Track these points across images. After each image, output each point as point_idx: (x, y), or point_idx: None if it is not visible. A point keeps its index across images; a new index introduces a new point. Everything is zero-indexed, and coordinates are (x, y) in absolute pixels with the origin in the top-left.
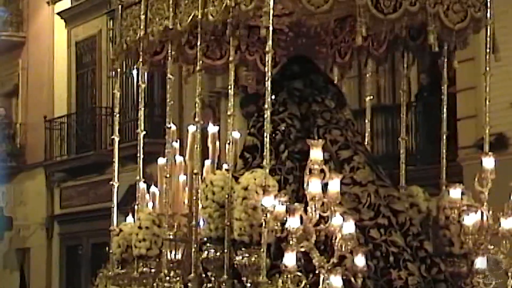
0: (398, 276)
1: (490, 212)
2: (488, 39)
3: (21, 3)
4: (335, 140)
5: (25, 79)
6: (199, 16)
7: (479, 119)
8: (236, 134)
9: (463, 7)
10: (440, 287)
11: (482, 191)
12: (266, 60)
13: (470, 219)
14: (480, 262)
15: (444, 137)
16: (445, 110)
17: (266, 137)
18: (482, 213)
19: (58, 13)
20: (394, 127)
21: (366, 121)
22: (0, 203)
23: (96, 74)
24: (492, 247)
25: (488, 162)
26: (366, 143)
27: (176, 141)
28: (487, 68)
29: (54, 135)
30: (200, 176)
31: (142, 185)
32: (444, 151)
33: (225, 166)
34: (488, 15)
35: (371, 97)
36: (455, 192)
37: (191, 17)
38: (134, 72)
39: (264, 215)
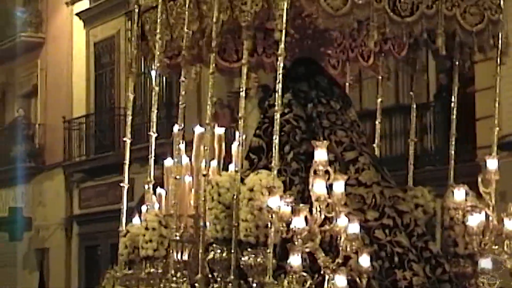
0: (403, 277)
1: (495, 212)
2: (500, 41)
3: (40, 4)
4: (340, 142)
5: (44, 79)
6: (226, 20)
7: (498, 119)
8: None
9: (479, 9)
10: None
11: (486, 192)
12: (278, 62)
13: (474, 220)
14: (485, 263)
15: (453, 138)
16: (455, 112)
17: (276, 138)
18: (486, 213)
19: (77, 14)
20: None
21: (377, 122)
22: (19, 204)
23: (115, 75)
24: (496, 247)
25: (492, 163)
26: (375, 144)
27: (182, 143)
28: (498, 70)
29: (73, 135)
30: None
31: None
32: (453, 152)
33: (231, 167)
34: (501, 17)
35: (381, 99)
36: (459, 193)
37: (220, 21)
38: (153, 72)
39: (270, 216)
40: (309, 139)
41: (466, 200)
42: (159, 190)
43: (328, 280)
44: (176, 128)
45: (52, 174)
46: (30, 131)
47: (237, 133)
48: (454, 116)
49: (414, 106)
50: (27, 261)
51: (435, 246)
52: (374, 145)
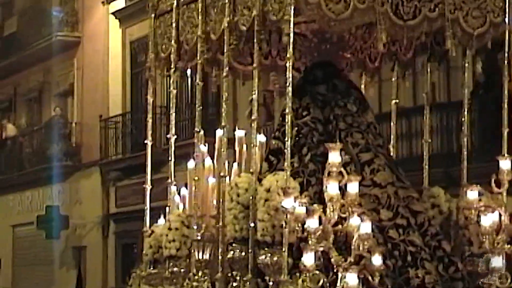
0: (415, 275)
1: (507, 212)
2: (508, 43)
3: (76, 3)
4: (356, 143)
5: (80, 78)
6: (226, 25)
7: None
8: (261, 138)
9: (482, 12)
10: (457, 286)
11: (499, 192)
12: (287, 66)
13: (487, 220)
14: (496, 261)
15: (465, 139)
16: (466, 114)
17: (287, 140)
18: (499, 213)
19: (113, 13)
20: (449, 125)
21: (392, 124)
22: (56, 202)
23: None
24: (508, 246)
25: (505, 164)
26: (391, 145)
27: (205, 145)
28: (506, 73)
29: (109, 134)
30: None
31: (173, 188)
32: (465, 153)
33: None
34: (507, 20)
35: (397, 101)
36: (472, 193)
37: (222, 26)
38: (189, 71)
39: (285, 216)
40: (326, 141)
41: (480, 200)
42: (182, 191)
43: (341, 278)
44: (196, 130)
45: (89, 172)
46: (67, 130)
47: (254, 135)
48: (465, 119)
49: (428, 107)
50: (64, 259)
51: (448, 245)
52: (390, 146)
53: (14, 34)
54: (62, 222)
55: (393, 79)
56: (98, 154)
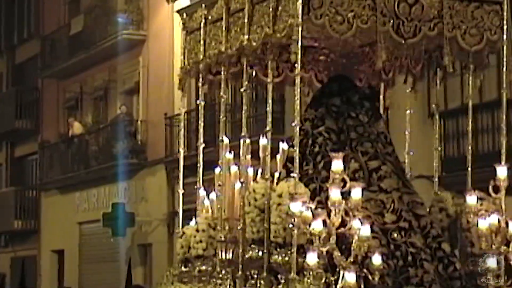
0: (414, 274)
1: (503, 216)
2: (504, 59)
3: (141, 2)
4: (366, 152)
5: (145, 76)
6: (245, 42)
7: None
8: (284, 145)
9: (479, 30)
10: (455, 284)
11: (497, 197)
12: (296, 82)
13: (485, 223)
14: (491, 262)
15: (470, 148)
16: (470, 123)
17: (295, 150)
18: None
19: (178, 11)
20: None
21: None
22: (122, 200)
23: None
24: (505, 248)
25: (502, 170)
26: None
27: (230, 152)
28: (504, 86)
29: (175, 131)
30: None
31: (202, 192)
32: (470, 159)
33: (276, 174)
34: (505, 37)
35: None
36: (471, 198)
37: (238, 42)
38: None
39: (293, 219)
40: (339, 150)
41: (481, 204)
42: (212, 195)
43: (342, 276)
44: (226, 139)
45: (154, 170)
46: (133, 128)
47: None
48: (470, 128)
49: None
50: (130, 256)
51: (448, 246)
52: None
53: (81, 33)
54: (128, 220)
55: (407, 90)
56: (163, 151)
